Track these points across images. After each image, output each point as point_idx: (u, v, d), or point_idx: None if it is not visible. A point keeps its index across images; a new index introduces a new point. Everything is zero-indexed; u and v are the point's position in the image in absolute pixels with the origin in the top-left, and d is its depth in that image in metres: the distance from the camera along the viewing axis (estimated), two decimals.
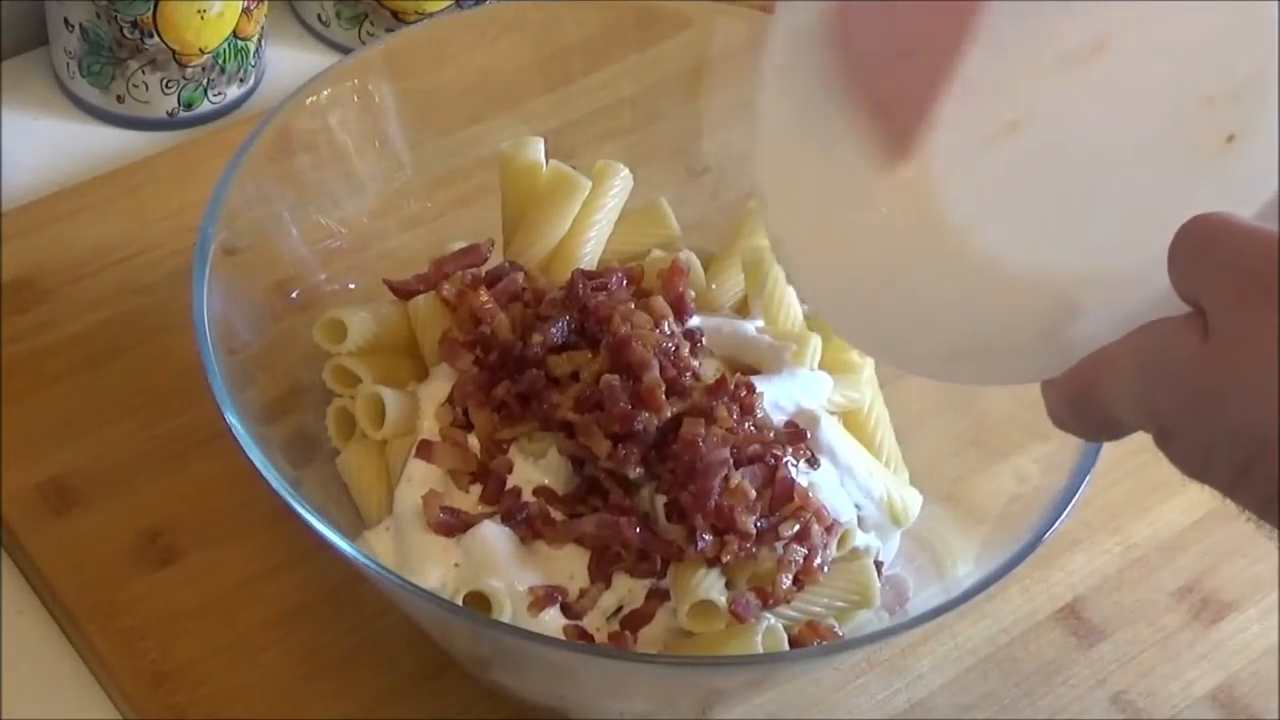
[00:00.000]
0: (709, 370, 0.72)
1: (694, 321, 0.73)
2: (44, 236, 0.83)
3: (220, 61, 0.88)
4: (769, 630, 0.66)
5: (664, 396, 0.67)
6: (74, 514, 0.74)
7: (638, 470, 0.67)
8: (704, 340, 0.73)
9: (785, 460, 0.68)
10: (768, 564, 0.67)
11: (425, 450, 0.70)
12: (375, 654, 0.71)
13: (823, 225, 0.57)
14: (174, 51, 0.87)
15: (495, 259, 0.75)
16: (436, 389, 0.71)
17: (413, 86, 0.78)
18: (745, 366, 0.73)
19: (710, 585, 0.66)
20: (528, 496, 0.69)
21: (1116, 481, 0.80)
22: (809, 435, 0.70)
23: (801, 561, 0.67)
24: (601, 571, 0.68)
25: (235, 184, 0.71)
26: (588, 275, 0.72)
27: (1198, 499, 0.81)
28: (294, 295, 0.74)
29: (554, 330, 0.70)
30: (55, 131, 0.89)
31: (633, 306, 0.71)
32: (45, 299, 0.80)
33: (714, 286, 0.77)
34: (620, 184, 0.77)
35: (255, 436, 0.65)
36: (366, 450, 0.71)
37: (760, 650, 0.65)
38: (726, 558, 0.66)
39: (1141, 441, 0.81)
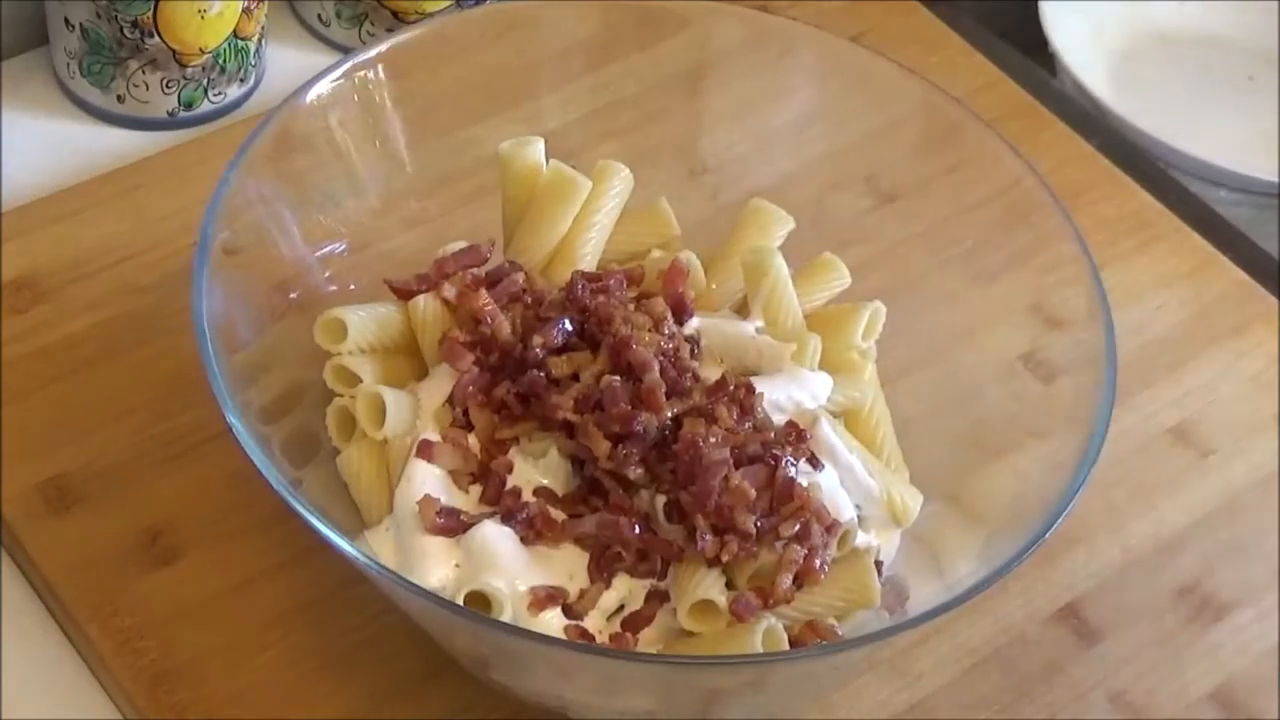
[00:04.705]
0: (709, 371, 0.72)
1: (694, 322, 0.73)
2: (44, 236, 0.83)
3: (220, 61, 0.88)
4: (769, 630, 0.66)
5: (664, 397, 0.67)
6: (74, 514, 0.74)
7: (638, 470, 0.67)
8: (704, 340, 0.73)
9: (785, 460, 0.68)
10: (768, 564, 0.67)
11: (425, 450, 0.70)
12: (375, 654, 0.71)
13: None
14: (174, 51, 0.87)
15: (495, 259, 0.75)
16: (437, 389, 0.71)
17: (413, 86, 0.78)
18: (745, 367, 0.73)
19: (710, 585, 0.66)
20: (528, 497, 0.69)
21: (1116, 481, 0.80)
22: (809, 435, 0.70)
23: (801, 561, 0.67)
24: (601, 572, 0.68)
25: (235, 184, 0.71)
26: (587, 276, 0.72)
27: (1198, 499, 0.81)
28: (294, 295, 0.74)
29: (554, 331, 0.70)
30: (55, 131, 0.89)
31: (633, 308, 0.71)
32: (45, 299, 0.80)
33: (714, 286, 0.77)
34: (620, 184, 0.77)
35: (255, 436, 0.65)
36: (367, 450, 0.71)
37: (760, 650, 0.65)
38: (726, 558, 0.66)
39: (1142, 441, 0.82)
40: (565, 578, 0.68)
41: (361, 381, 0.72)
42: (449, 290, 0.73)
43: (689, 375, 0.69)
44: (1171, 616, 0.77)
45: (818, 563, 0.67)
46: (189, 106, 0.89)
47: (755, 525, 0.66)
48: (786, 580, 0.67)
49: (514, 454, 0.69)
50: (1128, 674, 0.75)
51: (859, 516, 0.71)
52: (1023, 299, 0.77)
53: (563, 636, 0.66)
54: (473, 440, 0.70)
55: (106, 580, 0.72)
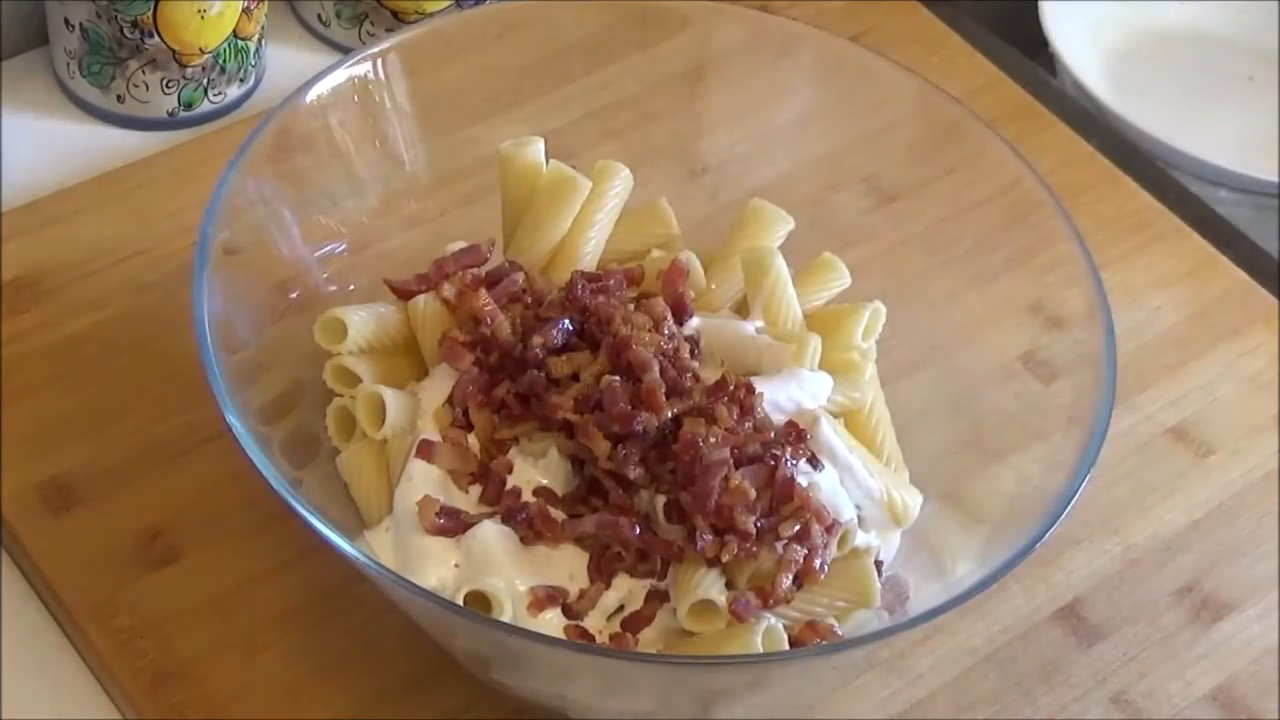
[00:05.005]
0: (709, 371, 0.72)
1: (694, 322, 0.73)
2: (44, 236, 0.83)
3: (220, 61, 0.88)
4: (769, 630, 0.66)
5: (664, 397, 0.67)
6: (74, 514, 0.74)
7: (638, 470, 0.67)
8: (704, 340, 0.73)
9: (785, 460, 0.68)
10: (768, 564, 0.67)
11: (425, 450, 0.70)
12: (375, 654, 0.71)
13: None
14: (174, 51, 0.87)
15: (495, 259, 0.75)
16: (436, 389, 0.71)
17: (413, 86, 0.78)
18: (745, 367, 0.73)
19: (710, 585, 0.66)
20: (528, 497, 0.69)
21: (1116, 481, 0.80)
22: (809, 435, 0.70)
23: (801, 561, 0.67)
24: (601, 572, 0.68)
25: (235, 184, 0.71)
26: (587, 276, 0.72)
27: (1198, 499, 0.81)
28: (294, 295, 0.74)
29: (554, 331, 0.70)
30: (55, 131, 0.89)
31: (633, 308, 0.71)
32: (45, 299, 0.80)
33: (714, 286, 0.77)
34: (620, 184, 0.77)
35: (255, 436, 0.65)
36: (366, 450, 0.71)
37: (760, 650, 0.65)
38: (726, 558, 0.66)
39: (1142, 441, 0.82)
40: (565, 578, 0.68)
41: (361, 381, 0.72)
42: (449, 290, 0.73)
43: (689, 375, 0.69)
44: (1171, 616, 0.77)
45: (818, 563, 0.67)
46: (189, 106, 0.89)
47: (755, 525, 0.66)
48: (786, 580, 0.67)
49: (514, 454, 0.69)
50: (1128, 674, 0.75)
51: (859, 516, 0.71)
52: (1023, 299, 0.77)
53: (563, 636, 0.66)
54: (473, 440, 0.70)
55: (106, 580, 0.72)
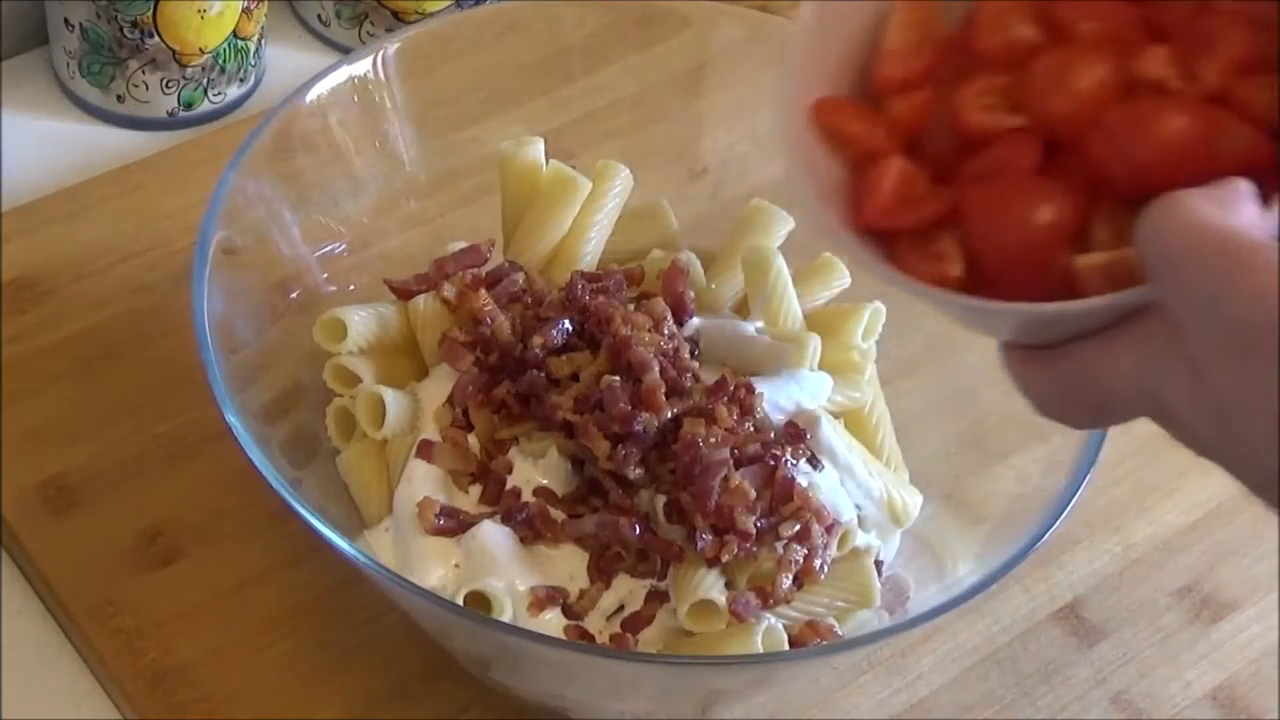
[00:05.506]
0: (709, 371, 0.72)
1: (694, 322, 0.73)
2: (44, 236, 0.83)
3: (220, 61, 0.88)
4: (769, 630, 0.66)
5: (664, 397, 0.67)
6: (74, 514, 0.74)
7: (637, 471, 0.67)
8: (703, 341, 0.73)
9: (785, 460, 0.68)
10: (768, 564, 0.67)
11: (425, 450, 0.70)
12: (375, 654, 0.71)
13: None
14: (174, 51, 0.87)
15: (495, 259, 0.75)
16: (436, 389, 0.71)
17: (413, 86, 0.78)
18: (745, 367, 0.73)
19: (710, 585, 0.66)
20: (528, 497, 0.69)
21: (1116, 481, 0.80)
22: (809, 435, 0.70)
23: (801, 561, 0.67)
24: (601, 572, 0.68)
25: (235, 184, 0.71)
26: (587, 276, 0.72)
27: (1198, 499, 0.81)
28: (294, 295, 0.74)
29: (554, 331, 0.70)
30: (55, 131, 0.89)
31: (633, 308, 0.71)
32: (45, 299, 0.80)
33: (714, 286, 0.77)
34: (620, 184, 0.77)
35: (255, 436, 0.65)
36: (366, 450, 0.71)
37: (760, 650, 0.65)
38: (726, 558, 0.66)
39: (1141, 441, 0.82)
40: (565, 578, 0.68)
41: (361, 381, 0.72)
42: (449, 290, 0.73)
43: (689, 375, 0.69)
44: (1171, 616, 0.77)
45: (818, 563, 0.67)
46: (189, 106, 0.89)
47: (755, 525, 0.66)
48: (786, 580, 0.67)
49: (514, 454, 0.69)
50: (1128, 674, 0.75)
51: (859, 516, 0.71)
52: None
53: (563, 636, 0.66)
54: (473, 440, 0.70)
55: (106, 580, 0.72)
